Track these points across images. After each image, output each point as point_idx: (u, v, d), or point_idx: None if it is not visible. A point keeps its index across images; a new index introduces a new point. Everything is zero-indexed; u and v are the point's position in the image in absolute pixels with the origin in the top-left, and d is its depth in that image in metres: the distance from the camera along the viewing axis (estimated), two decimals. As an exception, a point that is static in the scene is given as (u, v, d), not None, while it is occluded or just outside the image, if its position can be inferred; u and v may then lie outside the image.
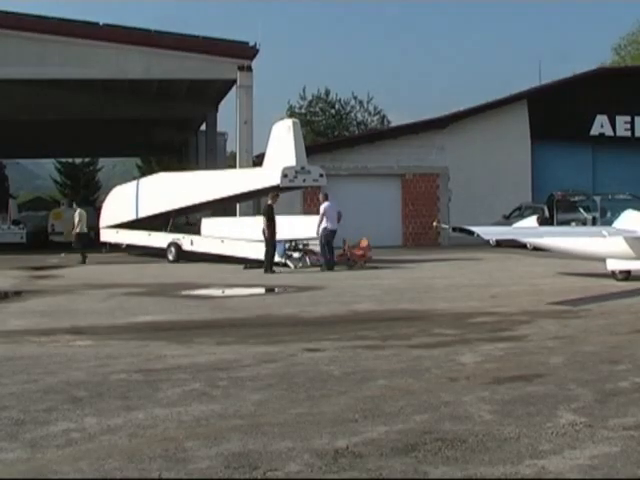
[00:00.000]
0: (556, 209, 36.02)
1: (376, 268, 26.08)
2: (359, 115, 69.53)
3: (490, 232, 18.48)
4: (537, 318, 14.23)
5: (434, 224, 34.07)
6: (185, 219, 37.31)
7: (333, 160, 40.40)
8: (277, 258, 26.95)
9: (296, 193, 37.57)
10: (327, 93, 68.22)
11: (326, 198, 26.85)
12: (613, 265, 19.98)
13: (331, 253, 25.80)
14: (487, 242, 32.13)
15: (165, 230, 32.19)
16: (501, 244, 33.13)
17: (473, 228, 16.22)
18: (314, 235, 26.79)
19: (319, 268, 26.22)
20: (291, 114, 60.91)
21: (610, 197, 34.66)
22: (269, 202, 25.38)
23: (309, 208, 39.98)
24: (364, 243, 27.30)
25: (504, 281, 21.13)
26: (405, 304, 16.83)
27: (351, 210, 37.29)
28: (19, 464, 6.42)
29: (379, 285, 20.89)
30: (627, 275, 20.10)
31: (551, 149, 43.17)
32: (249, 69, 37.37)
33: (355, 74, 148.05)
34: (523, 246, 28.18)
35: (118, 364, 10.32)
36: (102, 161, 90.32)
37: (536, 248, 25.60)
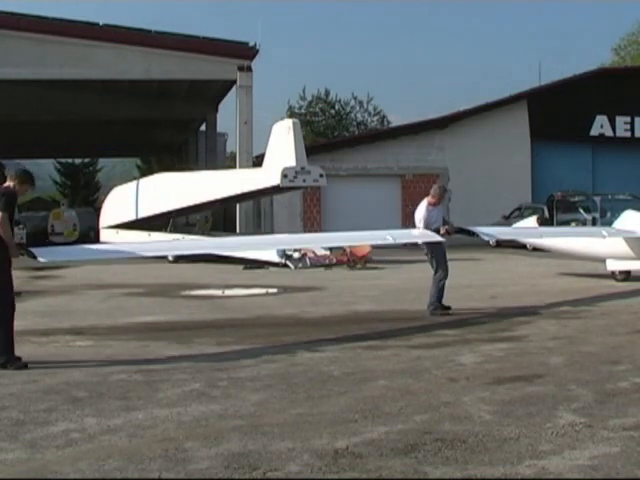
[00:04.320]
0: (556, 209, 36.05)
1: (376, 268, 26.08)
2: (359, 115, 69.58)
3: (490, 233, 18.45)
4: (537, 318, 14.23)
5: None
6: (185, 219, 37.29)
7: (333, 160, 40.44)
8: (277, 259, 26.96)
9: (296, 193, 37.62)
10: (327, 93, 68.24)
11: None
12: (613, 265, 19.96)
13: None
14: (487, 242, 32.07)
15: (165, 230, 32.16)
16: (501, 244, 33.01)
17: (473, 229, 16.21)
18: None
19: (322, 268, 26.22)
20: (291, 114, 60.87)
21: (610, 197, 34.68)
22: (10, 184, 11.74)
23: (309, 208, 40.11)
24: (365, 246, 27.18)
25: (504, 282, 21.11)
26: (405, 304, 16.79)
27: (351, 210, 37.51)
28: (19, 464, 6.41)
29: (379, 285, 20.91)
30: (627, 275, 20.09)
31: (551, 149, 43.20)
32: (249, 69, 37.40)
33: (355, 74, 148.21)
34: (523, 247, 28.17)
35: (118, 364, 10.32)
36: (102, 161, 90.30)
37: (536, 249, 25.59)
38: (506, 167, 42.10)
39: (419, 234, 15.14)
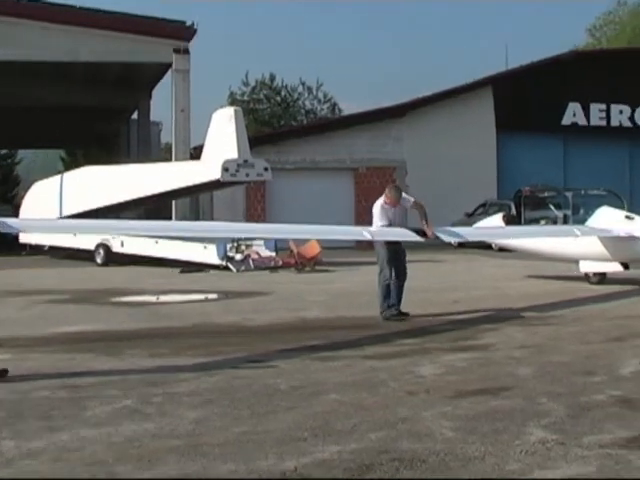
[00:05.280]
0: (524, 206, 36.11)
1: (327, 271, 26.18)
2: (307, 103, 69.61)
3: (451, 234, 18.19)
4: (503, 325, 14.29)
5: None
6: (115, 218, 36.94)
7: (279, 153, 40.47)
8: (217, 261, 26.92)
9: (239, 189, 37.56)
10: (272, 79, 68.18)
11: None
12: (587, 267, 20.12)
13: None
14: (448, 243, 32.08)
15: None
16: (464, 245, 32.96)
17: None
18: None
19: (267, 271, 26.20)
20: (232, 102, 60.80)
21: (583, 193, 34.89)
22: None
23: (252, 205, 40.02)
24: (313, 244, 27.19)
25: (467, 285, 21.25)
26: (359, 310, 16.78)
27: (299, 207, 37.40)
28: None
29: (331, 290, 21.00)
30: (602, 278, 20.29)
31: (518, 140, 43.52)
32: (186, 52, 37.25)
33: (303, 58, 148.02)
34: (488, 247, 28.30)
35: (40, 380, 10.19)
36: (21, 153, 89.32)
37: (502, 249, 25.73)
38: (469, 160, 42.25)
39: (400, 233, 15.21)
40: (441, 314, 15.91)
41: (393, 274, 15.12)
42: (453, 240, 25.16)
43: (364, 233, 15.55)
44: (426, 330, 13.98)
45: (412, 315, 15.23)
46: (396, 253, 15.34)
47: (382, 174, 41.12)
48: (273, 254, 28.49)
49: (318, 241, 26.97)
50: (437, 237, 16.07)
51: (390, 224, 15.21)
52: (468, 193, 40.20)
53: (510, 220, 25.52)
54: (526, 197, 36.36)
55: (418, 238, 15.06)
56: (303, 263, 26.98)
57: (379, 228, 15.38)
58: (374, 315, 15.37)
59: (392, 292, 15.15)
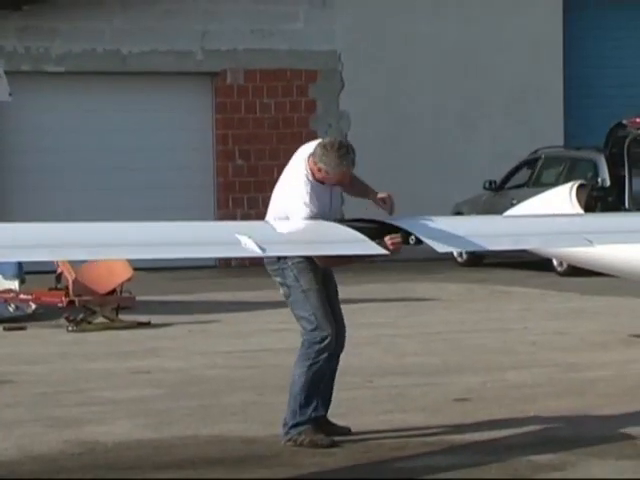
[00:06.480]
0: (629, 162, 30.24)
1: (147, 326, 21.91)
2: None
3: (450, 238, 13.25)
4: (587, 457, 11.05)
5: None
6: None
7: (29, 31, 33.27)
8: None
9: None
10: None
11: None
12: None
13: None
14: (449, 255, 28.35)
15: None
16: (483, 258, 29.83)
17: (409, 226, 12.23)
18: None
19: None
20: None
21: None
22: None
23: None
24: (114, 263, 21.86)
25: (489, 356, 18.23)
26: (226, 419, 13.44)
27: (80, 171, 32.18)
28: None
29: (157, 374, 16.93)
30: None
31: (612, 17, 38.37)
32: None
33: None
34: (540, 264, 25.65)
35: None
36: None
37: (577, 268, 22.70)
38: (500, 56, 35.98)
39: (333, 236, 12.22)
40: (431, 429, 12.46)
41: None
42: (456, 250, 20.87)
43: (241, 240, 11.58)
44: (394, 470, 10.85)
45: (357, 433, 11.96)
46: (328, 285, 12.66)
47: (285, 89, 34.45)
48: (13, 285, 23.82)
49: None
50: (417, 243, 12.32)
51: (316, 216, 12.16)
52: (492, 134, 35.09)
53: (597, 197, 24.89)
54: (634, 141, 30.33)
55: (378, 250, 11.86)
56: (88, 305, 22.15)
57: (294, 227, 12.08)
58: (266, 435, 12.28)
59: (324, 384, 12.42)
